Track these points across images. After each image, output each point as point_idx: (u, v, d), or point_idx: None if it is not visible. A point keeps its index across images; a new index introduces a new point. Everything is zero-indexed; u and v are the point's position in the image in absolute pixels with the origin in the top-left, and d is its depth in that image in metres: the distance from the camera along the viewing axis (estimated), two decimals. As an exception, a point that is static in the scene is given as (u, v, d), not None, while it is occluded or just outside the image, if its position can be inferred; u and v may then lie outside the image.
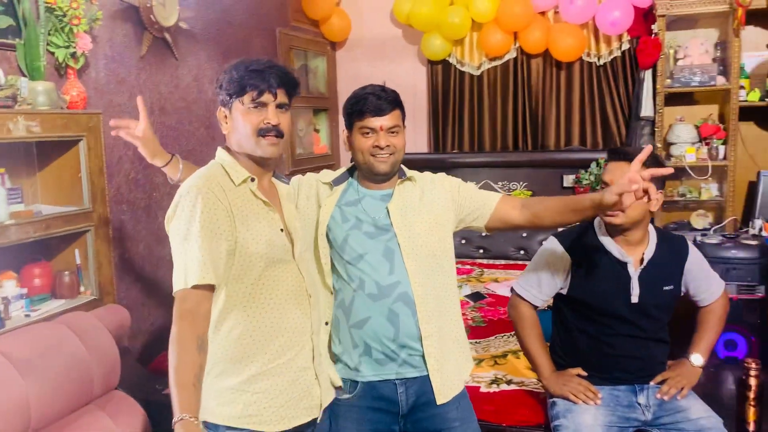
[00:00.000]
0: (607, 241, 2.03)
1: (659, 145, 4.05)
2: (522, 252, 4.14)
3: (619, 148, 2.04)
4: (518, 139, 4.60)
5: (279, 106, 1.60)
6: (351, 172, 1.92)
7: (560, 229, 2.15)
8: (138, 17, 2.97)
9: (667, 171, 1.70)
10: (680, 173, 4.11)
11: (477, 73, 4.63)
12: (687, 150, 4.01)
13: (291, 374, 1.61)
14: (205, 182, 1.53)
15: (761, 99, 3.89)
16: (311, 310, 1.67)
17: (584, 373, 2.08)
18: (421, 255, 1.77)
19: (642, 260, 2.03)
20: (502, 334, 2.90)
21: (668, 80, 4.05)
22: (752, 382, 2.19)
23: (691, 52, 4.03)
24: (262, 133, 1.58)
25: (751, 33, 3.98)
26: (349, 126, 1.84)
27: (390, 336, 1.75)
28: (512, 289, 2.16)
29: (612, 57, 4.32)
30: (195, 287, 1.45)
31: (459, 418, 1.82)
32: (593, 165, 4.03)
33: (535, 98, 4.56)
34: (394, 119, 1.79)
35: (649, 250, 2.04)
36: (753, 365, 2.20)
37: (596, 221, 2.09)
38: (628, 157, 1.90)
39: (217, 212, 1.50)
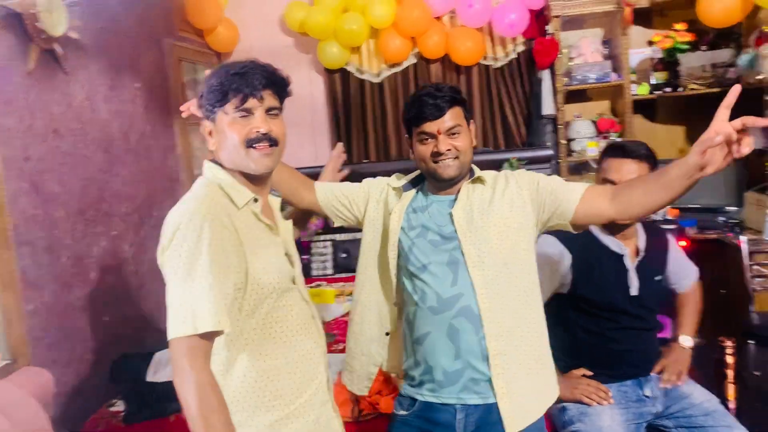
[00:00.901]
0: (602, 236, 2.00)
1: (563, 141, 4.18)
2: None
3: (617, 144, 2.01)
4: (424, 145, 4.55)
5: (268, 111, 1.40)
6: (422, 176, 1.77)
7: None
8: (22, 26, 2.52)
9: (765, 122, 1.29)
10: (581, 167, 4.30)
11: (377, 80, 4.53)
12: (588, 144, 4.18)
13: (314, 413, 1.47)
14: (209, 206, 1.32)
15: (650, 92, 4.15)
16: (319, 336, 1.53)
17: (589, 373, 2.03)
18: (489, 264, 1.60)
19: (637, 252, 2.02)
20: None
21: (566, 79, 4.20)
22: (729, 360, 2.27)
23: (584, 51, 4.22)
24: (251, 143, 1.38)
25: (633, 31, 4.23)
26: (409, 132, 1.71)
27: (450, 354, 1.58)
28: None
29: (508, 59, 4.40)
30: (205, 334, 1.24)
31: None
32: (506, 165, 4.07)
33: (437, 103, 4.53)
34: (454, 118, 1.64)
35: (641, 241, 2.03)
36: (728, 343, 2.27)
37: None
38: (628, 154, 1.89)
39: (225, 242, 1.30)
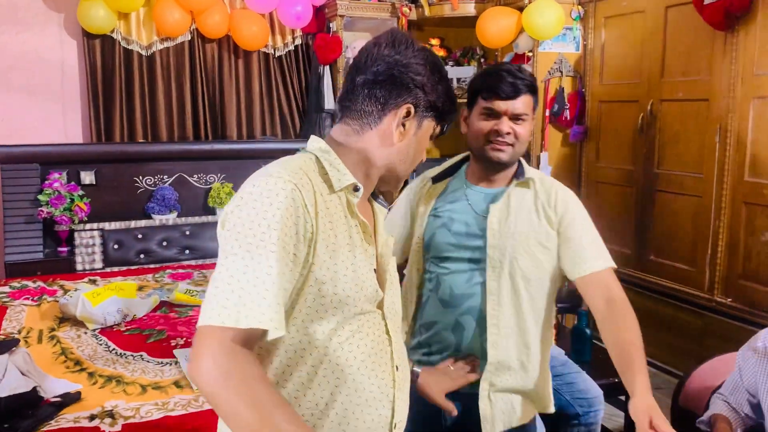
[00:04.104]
0: None
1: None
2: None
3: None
4: (199, 128, 4.30)
5: None
6: (459, 164, 1.69)
7: None
8: None
9: None
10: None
11: (147, 53, 4.12)
12: (362, 140, 4.47)
13: None
14: (295, 176, 1.01)
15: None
16: (396, 390, 1.14)
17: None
18: (507, 272, 1.54)
19: None
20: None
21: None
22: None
23: (359, 52, 4.48)
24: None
25: (399, 40, 4.66)
26: (471, 104, 1.60)
27: (452, 346, 1.60)
28: None
29: (287, 50, 4.45)
30: (248, 333, 0.91)
31: None
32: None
33: (213, 86, 4.33)
34: (525, 106, 1.55)
35: None
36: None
37: None
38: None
39: (299, 225, 0.99)
